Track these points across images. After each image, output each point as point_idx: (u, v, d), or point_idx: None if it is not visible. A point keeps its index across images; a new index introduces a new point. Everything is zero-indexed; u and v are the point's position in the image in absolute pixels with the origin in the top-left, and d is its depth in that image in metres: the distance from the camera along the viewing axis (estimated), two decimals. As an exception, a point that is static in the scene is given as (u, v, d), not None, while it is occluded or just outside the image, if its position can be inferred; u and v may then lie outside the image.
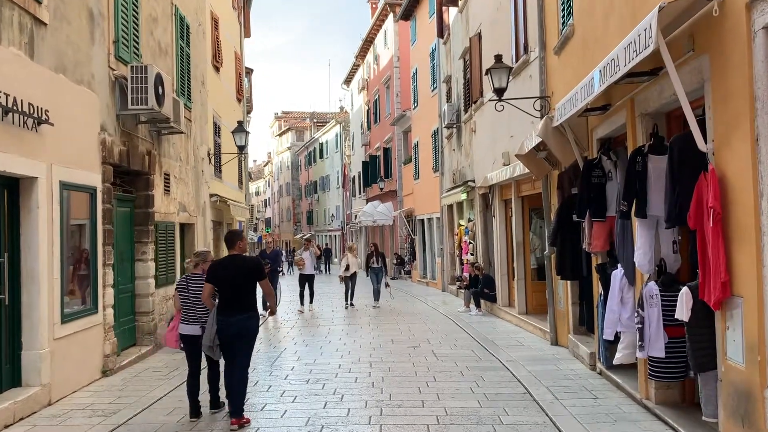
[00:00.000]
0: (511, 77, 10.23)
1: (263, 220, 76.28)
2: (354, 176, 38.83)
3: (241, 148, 14.46)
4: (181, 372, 8.56)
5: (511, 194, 12.71)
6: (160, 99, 9.18)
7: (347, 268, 15.82)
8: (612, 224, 7.17)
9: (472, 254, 16.42)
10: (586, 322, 8.44)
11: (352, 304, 15.75)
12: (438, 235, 21.34)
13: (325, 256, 39.04)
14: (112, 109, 8.77)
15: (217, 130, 15.49)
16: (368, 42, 33.24)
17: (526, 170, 10.70)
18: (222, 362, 6.35)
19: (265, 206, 78.18)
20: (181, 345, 6.61)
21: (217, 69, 15.89)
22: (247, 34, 21.36)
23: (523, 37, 11.26)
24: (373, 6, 33.71)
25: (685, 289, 4.77)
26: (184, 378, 6.83)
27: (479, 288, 14.33)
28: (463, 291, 15.80)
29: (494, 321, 13.03)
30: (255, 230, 64.48)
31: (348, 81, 40.46)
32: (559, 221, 9.16)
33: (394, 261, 28.41)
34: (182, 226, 12.48)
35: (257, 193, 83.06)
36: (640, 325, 5.64)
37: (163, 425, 6.20)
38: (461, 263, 17.90)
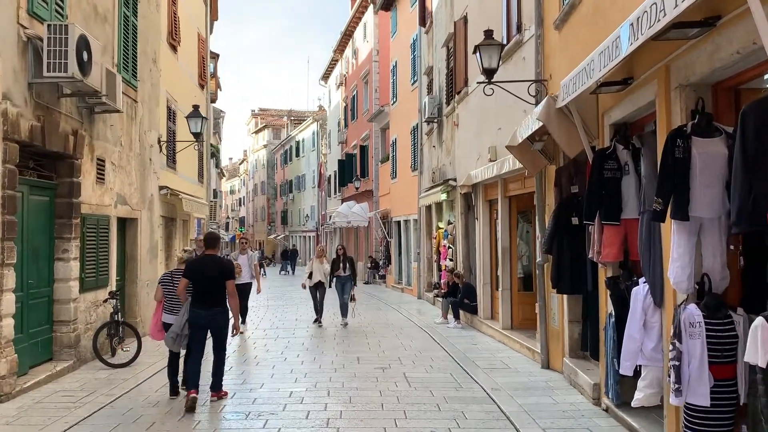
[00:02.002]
0: (501, 61, 8.86)
1: (237, 219, 74.43)
2: (330, 175, 37.34)
3: (197, 136, 12.89)
4: (97, 397, 7.05)
5: (497, 194, 11.34)
6: (84, 66, 7.63)
7: (310, 276, 13.18)
8: (627, 228, 5.81)
9: (451, 260, 15.03)
10: (589, 347, 7.05)
11: (320, 322, 12.97)
12: (415, 238, 19.94)
13: (291, 258, 38.36)
14: (21, 75, 7.19)
15: (171, 115, 13.91)
16: (347, 36, 31.79)
17: (516, 167, 9.34)
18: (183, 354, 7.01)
19: (240, 205, 76.36)
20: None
21: (174, 48, 14.32)
22: (215, 17, 19.79)
23: (516, 15, 9.90)
24: (353, -3, 32.26)
25: (760, 321, 3.39)
26: (96, 407, 6.69)
27: (458, 298, 12.94)
28: (440, 300, 14.40)
29: (475, 335, 11.63)
30: (226, 229, 62.62)
31: (326, 77, 38.95)
32: (556, 224, 7.81)
33: (368, 265, 26.95)
34: (122, 221, 10.89)
35: (232, 192, 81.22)
36: (676, 362, 4.25)
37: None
38: (439, 269, 16.51)
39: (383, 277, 25.58)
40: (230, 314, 6.95)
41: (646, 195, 5.11)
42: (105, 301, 9.41)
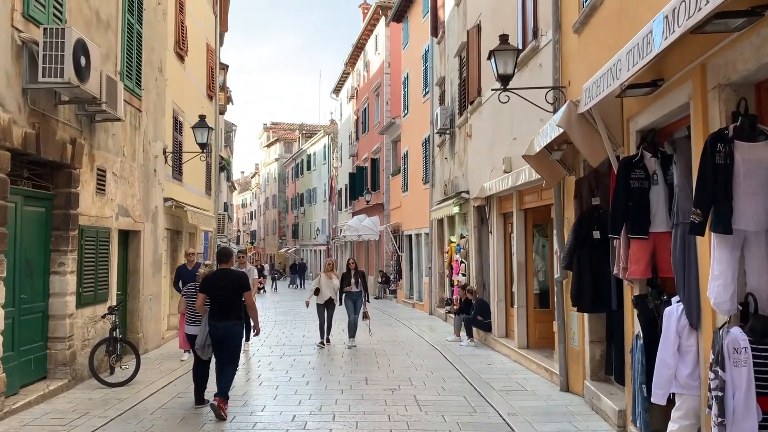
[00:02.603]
0: (516, 68, 8.47)
1: (248, 233, 74.30)
2: (341, 188, 37.03)
3: (203, 146, 12.57)
4: (90, 419, 6.67)
5: (512, 207, 10.90)
6: (81, 72, 7.32)
7: (317, 292, 11.94)
8: (656, 243, 5.37)
9: (464, 275, 14.57)
10: (614, 371, 6.56)
11: (327, 341, 12.02)
12: (426, 253, 19.49)
13: (300, 272, 38.43)
14: (15, 80, 6.89)
15: (178, 126, 13.62)
16: (359, 48, 31.61)
17: (532, 178, 8.92)
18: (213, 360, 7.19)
19: (251, 218, 76.31)
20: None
21: (181, 58, 14.07)
22: (224, 28, 19.60)
23: (532, 20, 9.53)
24: (365, 10, 32.13)
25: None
26: (87, 430, 6.36)
27: (472, 315, 12.47)
28: (452, 316, 13.93)
29: (489, 354, 11.15)
30: (237, 243, 62.45)
31: (337, 90, 38.78)
32: (576, 239, 7.37)
33: (379, 279, 26.50)
34: (124, 233, 10.55)
35: (243, 205, 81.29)
36: (718, 393, 3.79)
37: None
38: (451, 284, 16.05)
39: (394, 291, 25.12)
40: (244, 325, 7.74)
41: (679, 206, 4.67)
42: (103, 316, 9.05)
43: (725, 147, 3.86)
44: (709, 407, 3.98)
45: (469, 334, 12.39)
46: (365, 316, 12.13)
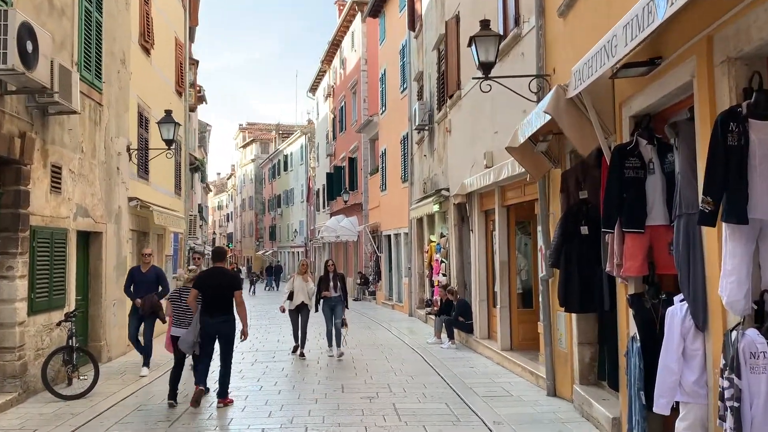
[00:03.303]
0: (497, 58, 8.04)
1: (225, 235, 73.24)
2: (318, 189, 36.43)
3: (170, 143, 11.95)
4: (36, 439, 6.06)
5: (494, 203, 10.47)
6: (28, 58, 6.72)
7: (291, 296, 10.89)
8: (653, 237, 4.95)
9: (444, 275, 14.13)
10: (607, 376, 6.13)
11: (302, 354, 10.75)
12: (406, 253, 19.03)
13: (275, 274, 38.14)
14: (-49, 66, 6.27)
15: (143, 122, 12.98)
16: (335, 45, 31.06)
17: (515, 172, 8.50)
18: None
19: (228, 221, 75.26)
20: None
21: (146, 51, 13.43)
22: (194, 22, 18.96)
23: (513, 6, 9.12)
24: (341, 6, 31.58)
25: None
26: None
27: (453, 316, 12.02)
28: (433, 318, 13.48)
29: (471, 357, 10.70)
30: (213, 245, 61.40)
31: (314, 89, 38.18)
32: (563, 234, 6.95)
33: (358, 281, 25.98)
34: (84, 234, 9.92)
35: (220, 207, 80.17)
36: (735, 403, 3.36)
37: None
38: (431, 285, 15.60)
39: (373, 293, 24.62)
40: (237, 322, 7.40)
41: (682, 196, 4.24)
42: (59, 324, 8.41)
43: (738, 126, 3.44)
44: (721, 418, 3.55)
45: (450, 336, 11.95)
46: (342, 324, 10.86)
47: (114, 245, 10.98)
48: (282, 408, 7.17)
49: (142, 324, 9.61)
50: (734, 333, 3.51)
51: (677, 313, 4.18)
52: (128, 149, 11.85)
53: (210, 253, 45.76)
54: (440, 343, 12.08)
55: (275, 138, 56.88)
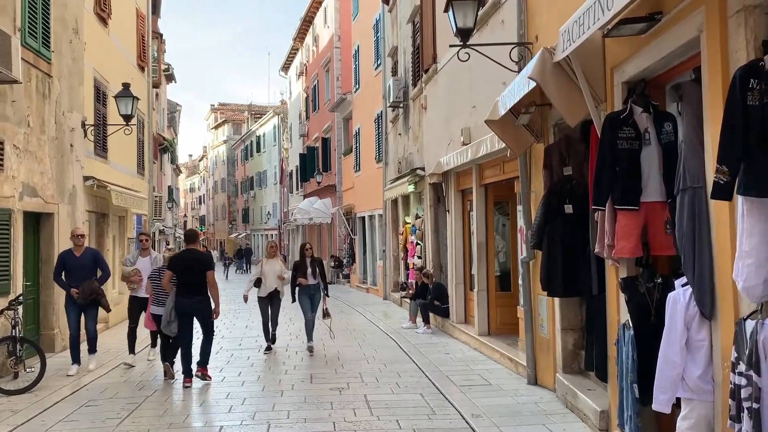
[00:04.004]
0: (476, 27, 7.49)
1: (197, 218, 72.05)
2: (291, 170, 35.66)
3: (128, 118, 11.20)
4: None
5: (471, 182, 9.99)
6: (-46, 17, 6.00)
7: (259, 283, 9.71)
8: (649, 215, 4.51)
9: (419, 257, 13.67)
10: (595, 366, 5.70)
11: (270, 345, 9.70)
12: (380, 235, 18.53)
13: (245, 256, 37.71)
14: None
15: (101, 96, 12.19)
16: (307, 22, 30.18)
17: (494, 148, 8.01)
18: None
19: (200, 203, 73.99)
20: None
21: (103, 21, 12.59)
22: (158, -7, 17.99)
23: (493, -29, 8.55)
24: (313, -19, 30.62)
25: None
26: None
27: (428, 299, 11.58)
28: (408, 301, 13.03)
29: (447, 342, 10.27)
30: (184, 228, 60.27)
31: (286, 68, 37.20)
32: (546, 214, 6.49)
33: (332, 264, 25.44)
34: (33, 215, 9.21)
35: (192, 189, 78.82)
36: (753, 404, 2.92)
37: None
38: (406, 268, 15.14)
39: (347, 276, 24.12)
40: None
41: (686, 167, 3.77)
42: (1, 312, 7.74)
43: (760, 84, 2.95)
44: (734, 419, 3.11)
45: (426, 321, 11.51)
46: (325, 315, 9.76)
47: (68, 227, 10.25)
48: (244, 402, 6.63)
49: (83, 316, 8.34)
50: (750, 323, 3.05)
51: (680, 298, 3.72)
52: (83, 125, 11.09)
53: (182, 235, 45.02)
54: (415, 328, 11.65)
55: (248, 119, 55.77)
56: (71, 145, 10.51)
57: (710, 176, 3.54)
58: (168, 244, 17.39)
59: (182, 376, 7.49)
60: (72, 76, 10.64)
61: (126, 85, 11.29)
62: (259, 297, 9.79)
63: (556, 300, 6.65)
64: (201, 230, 62.72)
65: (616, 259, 4.78)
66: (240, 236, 52.74)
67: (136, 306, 8.88)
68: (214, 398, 6.85)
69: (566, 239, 6.33)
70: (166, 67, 33.02)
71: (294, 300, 9.74)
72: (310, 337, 9.66)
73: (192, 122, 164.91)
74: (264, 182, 45.59)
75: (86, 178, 11.12)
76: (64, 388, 7.38)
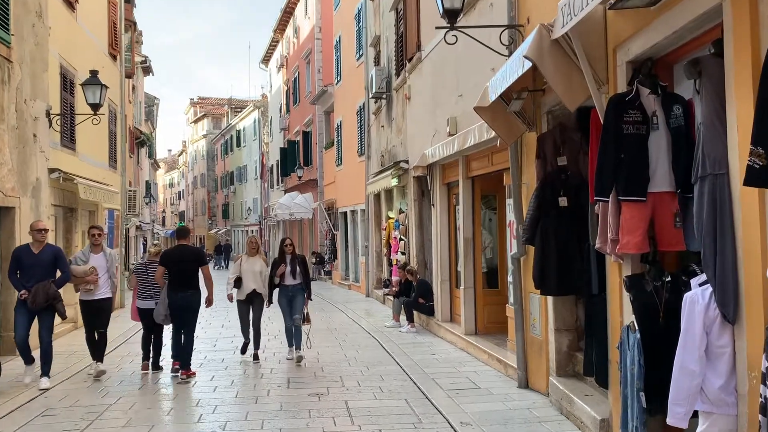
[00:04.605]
0: (462, 12, 7.04)
1: (177, 214, 71.00)
2: (272, 165, 35.02)
3: (95, 107, 10.61)
4: None
5: (457, 175, 9.57)
6: None
7: (238, 282, 8.60)
8: (656, 206, 4.12)
9: (403, 253, 13.24)
10: (595, 371, 5.30)
11: (256, 357, 8.55)
12: (363, 230, 18.06)
13: (224, 253, 37.43)
14: None
15: (68, 85, 11.56)
16: (287, 13, 29.53)
17: (482, 138, 7.59)
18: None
19: (180, 198, 72.90)
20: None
21: (71, 5, 11.95)
22: (131, -20, 17.32)
23: (481, -49, 8.11)
24: (294, -28, 29.99)
25: None
26: None
27: (412, 297, 11.15)
28: (391, 299, 12.60)
29: (432, 342, 9.86)
30: (163, 224, 59.33)
31: (266, 60, 36.48)
32: (539, 207, 6.10)
33: (313, 260, 24.92)
34: (-10, 210, 8.62)
35: (171, 185, 77.68)
36: (793, 423, 2.51)
37: None
38: (390, 264, 14.70)
39: (329, 273, 23.62)
40: (202, 296, 7.70)
41: (706, 151, 3.36)
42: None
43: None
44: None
45: (410, 319, 11.09)
46: (305, 320, 8.54)
47: (30, 221, 9.66)
48: (215, 410, 6.14)
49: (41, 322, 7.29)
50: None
51: (698, 299, 3.32)
52: (48, 114, 10.46)
53: (159, 231, 44.15)
54: (399, 327, 11.22)
55: (227, 113, 54.85)
56: (34, 135, 9.90)
57: (734, 161, 3.15)
58: (155, 240, 16.90)
59: (171, 361, 7.82)
60: (35, 62, 10.01)
61: (94, 72, 10.69)
62: (238, 300, 8.65)
63: (549, 298, 6.26)
64: (180, 225, 61.76)
65: (620, 255, 4.38)
66: (220, 232, 51.95)
67: (93, 309, 7.66)
68: (183, 406, 6.35)
69: (561, 234, 5.96)
70: (143, 59, 32.13)
71: (271, 302, 8.63)
72: (291, 343, 8.55)
73: (172, 117, 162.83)
74: (244, 177, 44.86)
75: (51, 171, 10.50)
76: (21, 395, 6.84)
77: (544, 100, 6.28)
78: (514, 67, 5.25)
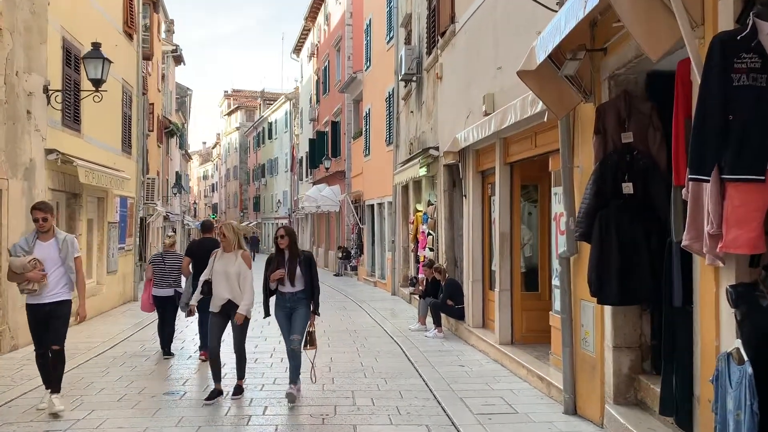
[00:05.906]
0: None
1: (210, 206, 71.06)
2: (302, 157, 34.17)
3: (97, 83, 9.72)
4: None
5: (493, 161, 8.38)
6: None
7: (205, 288, 6.32)
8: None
9: (431, 249, 12.10)
10: (677, 410, 4.07)
11: (239, 390, 6.29)
12: (390, 224, 16.97)
13: (253, 246, 37.15)
14: None
15: (71, 60, 10.68)
16: (319, 0, 28.60)
17: (525, 115, 6.40)
18: None
19: (213, 191, 73.03)
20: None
21: (77, -25, 11.10)
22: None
23: None
24: (326, -44, 29.00)
25: None
26: None
27: (440, 299, 10.01)
28: (417, 299, 11.48)
29: (461, 350, 8.72)
30: (194, 215, 59.19)
31: (298, 50, 35.63)
32: (597, 195, 4.91)
33: (339, 255, 23.94)
34: (-30, 192, 7.77)
35: (205, 177, 77.86)
36: None
37: None
38: (417, 261, 13.58)
39: (355, 268, 22.60)
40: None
41: None
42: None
43: None
44: None
45: (437, 323, 9.95)
46: (308, 343, 6.20)
47: (21, 207, 8.82)
48: (198, 431, 5.11)
49: None
50: None
51: None
52: (46, 90, 9.62)
53: (189, 223, 43.77)
54: (425, 331, 10.10)
55: (260, 105, 54.40)
56: (28, 112, 9.05)
57: None
58: (169, 233, 16.23)
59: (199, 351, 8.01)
60: (31, 32, 9.16)
61: (96, 45, 9.81)
62: (210, 312, 6.27)
63: (608, 308, 5.06)
64: (213, 218, 61.54)
65: (721, 255, 3.18)
66: (250, 225, 51.49)
67: (41, 317, 5.61)
68: (159, 425, 5.33)
69: (624, 228, 4.77)
70: (174, 47, 31.67)
71: (267, 314, 6.29)
72: (293, 377, 6.08)
73: (209, 111, 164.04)
74: (275, 170, 44.23)
75: (48, 151, 9.66)
76: (3, 394, 5.91)
77: (606, 62, 5.07)
78: (573, 11, 4.06)
